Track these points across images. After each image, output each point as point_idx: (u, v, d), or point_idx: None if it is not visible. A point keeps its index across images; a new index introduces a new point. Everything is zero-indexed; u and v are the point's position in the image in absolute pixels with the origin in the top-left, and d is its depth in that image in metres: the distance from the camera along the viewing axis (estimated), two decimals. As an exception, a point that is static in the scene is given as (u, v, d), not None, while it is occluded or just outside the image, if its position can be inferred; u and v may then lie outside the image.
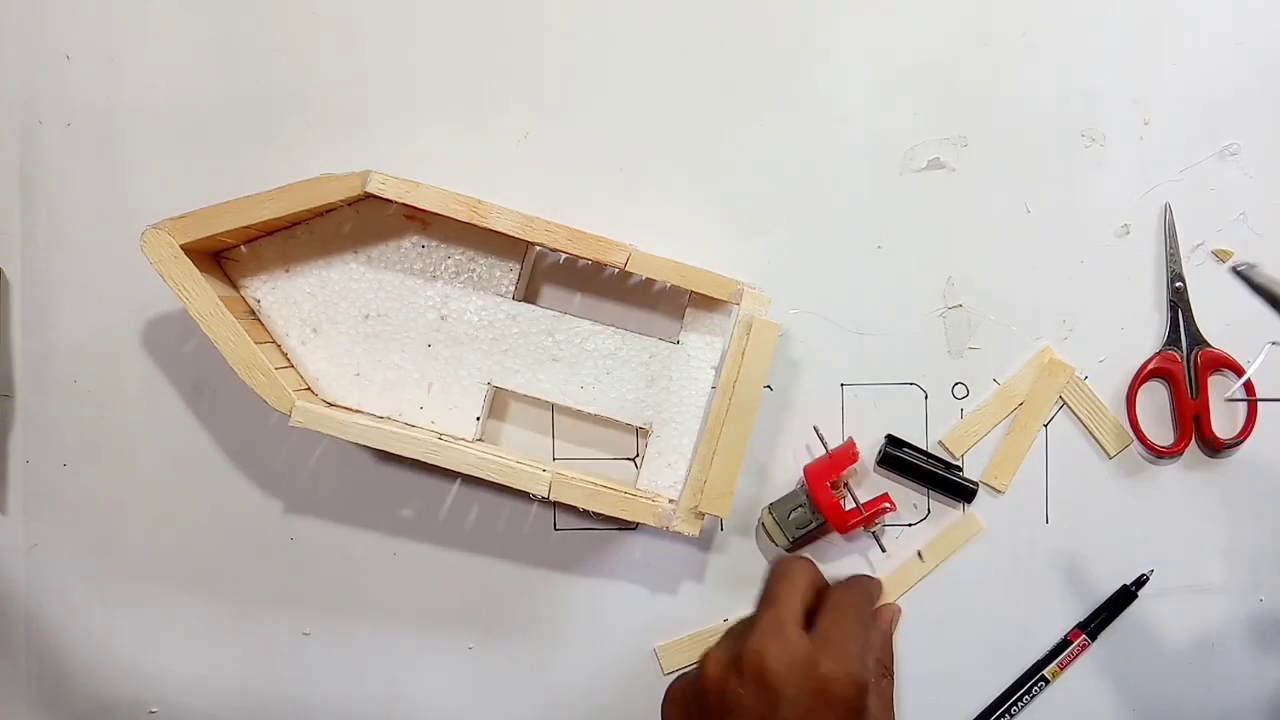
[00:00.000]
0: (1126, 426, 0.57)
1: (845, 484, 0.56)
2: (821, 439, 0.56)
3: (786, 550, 0.57)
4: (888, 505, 0.55)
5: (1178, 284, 0.57)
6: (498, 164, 0.57)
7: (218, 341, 0.51)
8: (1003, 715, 0.57)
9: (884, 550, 0.57)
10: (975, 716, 0.57)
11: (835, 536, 0.57)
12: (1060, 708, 0.57)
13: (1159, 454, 0.57)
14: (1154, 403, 0.58)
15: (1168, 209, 0.57)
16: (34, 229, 0.58)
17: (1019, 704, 0.57)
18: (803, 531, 0.56)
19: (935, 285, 0.57)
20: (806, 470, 0.56)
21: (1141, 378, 0.57)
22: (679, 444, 0.55)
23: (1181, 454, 0.57)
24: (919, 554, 0.57)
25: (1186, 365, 0.56)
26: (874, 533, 0.57)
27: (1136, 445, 0.57)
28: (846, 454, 0.55)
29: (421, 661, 0.59)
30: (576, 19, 0.57)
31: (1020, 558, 0.58)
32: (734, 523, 0.58)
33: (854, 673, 0.46)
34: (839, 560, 0.58)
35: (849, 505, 0.55)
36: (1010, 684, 0.57)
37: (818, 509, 0.54)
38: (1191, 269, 0.57)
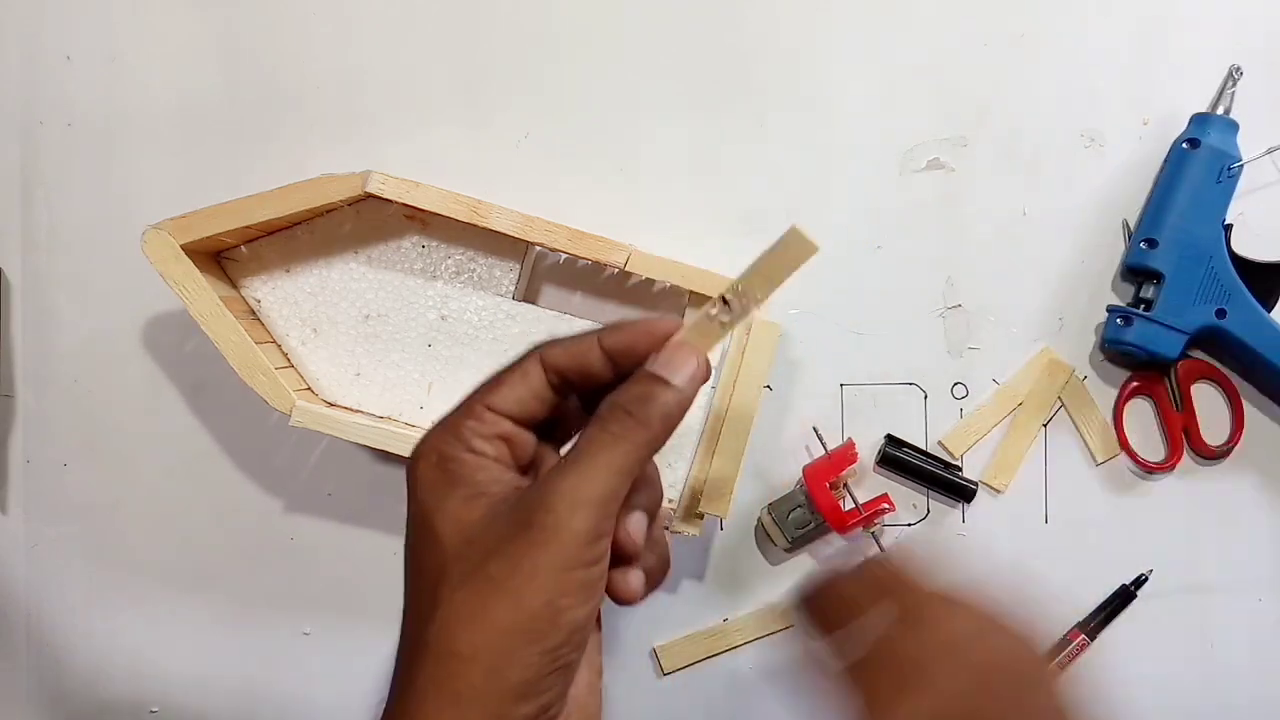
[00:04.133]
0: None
1: (844, 484, 0.56)
2: (821, 439, 0.56)
3: (785, 550, 0.57)
4: (887, 506, 0.55)
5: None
6: (498, 164, 0.57)
7: (218, 341, 0.51)
8: (1002, 715, 0.57)
9: (883, 550, 0.57)
10: (975, 716, 0.57)
11: (834, 536, 0.57)
12: (1059, 707, 0.57)
13: (1150, 469, 0.57)
14: (1141, 422, 0.57)
15: (1167, 209, 0.57)
16: (34, 229, 0.58)
17: (1018, 704, 0.57)
18: (801, 531, 0.56)
19: (935, 285, 0.57)
20: (806, 470, 0.56)
21: (1125, 398, 0.57)
22: (678, 444, 0.55)
23: (1174, 469, 0.57)
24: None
25: (1169, 379, 0.56)
26: (873, 533, 0.57)
27: (1130, 461, 0.57)
28: (846, 454, 0.55)
29: (421, 661, 0.59)
30: (577, 20, 0.57)
31: (1020, 558, 0.58)
32: (733, 523, 0.58)
33: None
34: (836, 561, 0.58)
35: (848, 505, 0.55)
36: (1010, 684, 0.57)
37: (816, 509, 0.54)
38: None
